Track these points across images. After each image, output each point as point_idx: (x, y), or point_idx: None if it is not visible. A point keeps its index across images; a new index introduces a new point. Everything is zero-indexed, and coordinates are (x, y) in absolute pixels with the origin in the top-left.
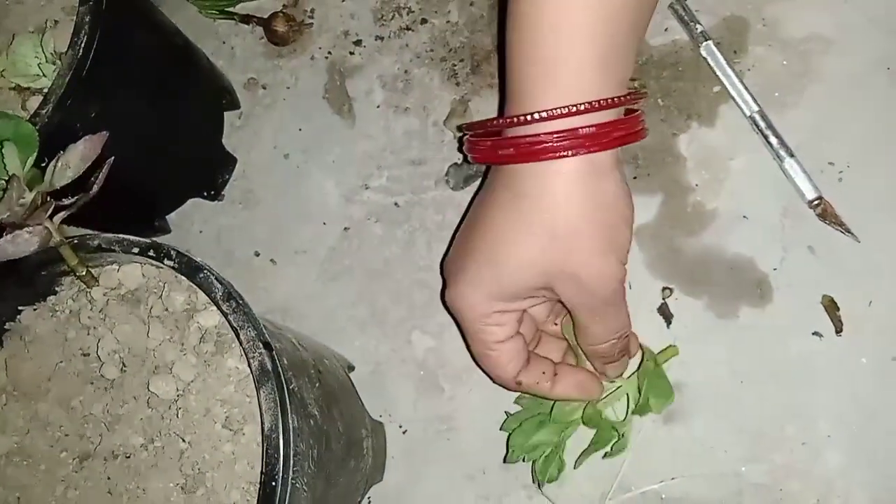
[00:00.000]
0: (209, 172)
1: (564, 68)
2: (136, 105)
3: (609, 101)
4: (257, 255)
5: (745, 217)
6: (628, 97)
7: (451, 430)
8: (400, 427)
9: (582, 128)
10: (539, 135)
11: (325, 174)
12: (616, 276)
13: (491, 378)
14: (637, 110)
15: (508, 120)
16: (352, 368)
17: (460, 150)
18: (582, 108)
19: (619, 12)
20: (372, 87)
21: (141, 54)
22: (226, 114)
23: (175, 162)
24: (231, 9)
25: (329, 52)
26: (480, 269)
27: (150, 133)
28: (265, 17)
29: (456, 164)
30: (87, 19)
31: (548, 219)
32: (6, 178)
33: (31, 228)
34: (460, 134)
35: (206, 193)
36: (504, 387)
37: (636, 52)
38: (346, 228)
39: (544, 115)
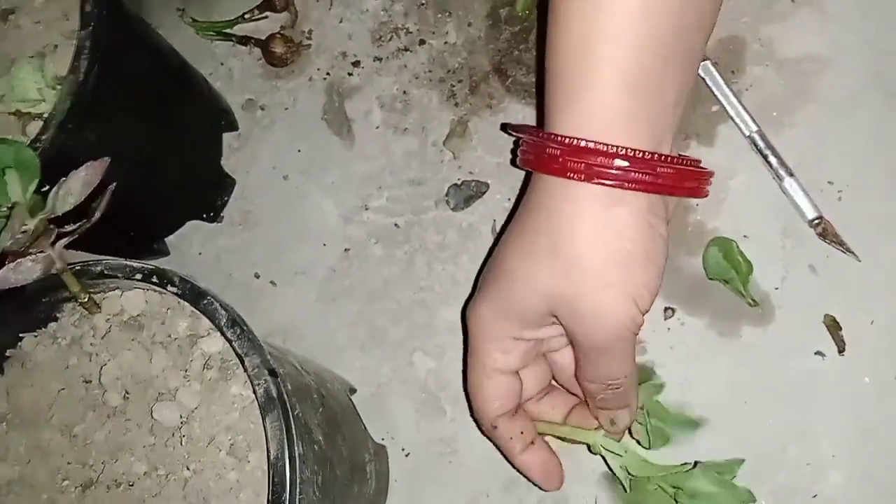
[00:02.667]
0: (208, 194)
1: (588, 91)
2: (136, 128)
3: (631, 153)
4: (257, 276)
5: (745, 236)
6: (659, 157)
7: (454, 453)
8: (402, 450)
9: (604, 157)
10: (557, 149)
11: (325, 195)
12: (622, 317)
13: (471, 411)
14: (704, 172)
15: (535, 132)
16: (353, 391)
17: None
18: (603, 147)
19: (652, 39)
20: (371, 107)
21: (140, 77)
22: (224, 135)
23: (174, 184)
24: (228, 30)
25: (327, 73)
26: (494, 288)
27: (149, 156)
28: (263, 38)
29: (456, 184)
30: (87, 44)
31: (552, 239)
32: (8, 206)
33: (33, 256)
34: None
35: (204, 215)
36: (478, 425)
37: (678, 98)
38: (346, 249)
39: (561, 138)
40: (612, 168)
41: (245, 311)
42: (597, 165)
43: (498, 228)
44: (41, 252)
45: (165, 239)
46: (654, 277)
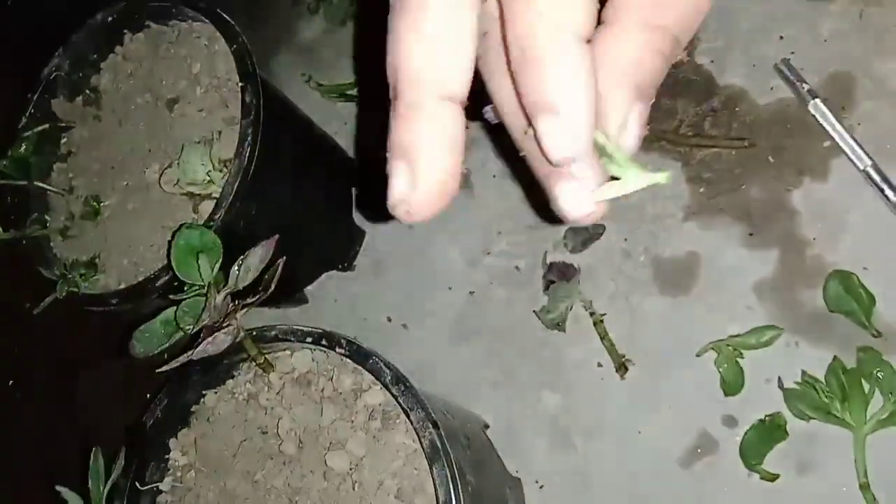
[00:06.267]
0: (341, 246)
1: None
2: (284, 197)
3: None
4: (389, 320)
5: (865, 268)
6: None
7: (587, 486)
8: (536, 482)
9: None
10: None
11: (449, 242)
12: None
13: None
14: None
15: None
16: (487, 427)
17: None
18: None
19: None
20: (487, 157)
21: (287, 152)
22: (353, 190)
23: (313, 240)
24: (350, 91)
25: None
26: None
27: (294, 219)
28: None
29: (573, 228)
30: (249, 131)
31: None
32: (203, 285)
33: (225, 329)
34: None
35: (339, 266)
36: (406, 101)
37: None
38: (471, 292)
39: None
40: None
41: (380, 353)
42: None
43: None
44: (229, 325)
45: (305, 289)
46: None
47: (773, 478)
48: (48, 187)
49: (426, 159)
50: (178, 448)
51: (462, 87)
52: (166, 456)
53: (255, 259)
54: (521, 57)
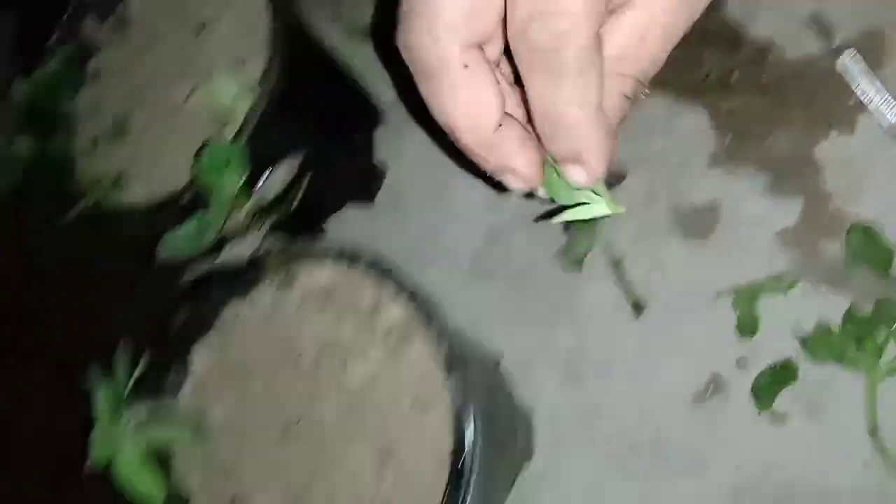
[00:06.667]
0: (362, 182)
1: None
2: (308, 126)
3: None
4: (406, 257)
5: (887, 222)
6: None
7: (597, 418)
8: (547, 414)
9: None
10: None
11: (470, 185)
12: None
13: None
14: None
15: None
16: (500, 361)
17: None
18: None
19: None
20: None
21: (312, 81)
22: (377, 129)
23: (334, 173)
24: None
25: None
26: None
27: (316, 149)
28: None
29: None
30: (276, 57)
31: None
32: (229, 197)
33: (248, 239)
34: None
35: (360, 200)
36: (473, 146)
37: None
38: (489, 232)
39: None
40: None
41: None
42: None
43: None
44: (252, 234)
45: (323, 224)
46: None
47: (782, 419)
48: (75, 107)
49: (521, 163)
50: (199, 356)
51: (501, 111)
52: (187, 363)
53: (280, 174)
54: (551, 123)
